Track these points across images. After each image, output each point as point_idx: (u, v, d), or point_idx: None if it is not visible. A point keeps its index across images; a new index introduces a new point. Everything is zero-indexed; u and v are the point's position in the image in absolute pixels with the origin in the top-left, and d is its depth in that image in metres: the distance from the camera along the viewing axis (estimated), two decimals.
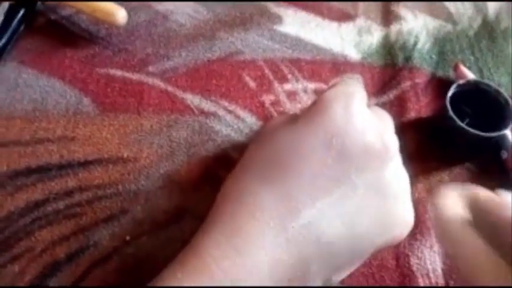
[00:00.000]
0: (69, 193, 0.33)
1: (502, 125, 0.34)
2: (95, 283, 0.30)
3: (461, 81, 0.36)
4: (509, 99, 0.35)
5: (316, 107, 0.29)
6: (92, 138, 0.35)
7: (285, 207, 0.26)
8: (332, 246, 0.27)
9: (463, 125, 0.34)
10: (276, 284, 0.25)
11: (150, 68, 0.38)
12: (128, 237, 0.32)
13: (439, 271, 0.32)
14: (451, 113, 0.34)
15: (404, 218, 0.29)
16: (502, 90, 0.36)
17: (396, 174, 0.29)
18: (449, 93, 0.35)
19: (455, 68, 0.40)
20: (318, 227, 0.26)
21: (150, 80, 0.38)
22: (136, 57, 0.39)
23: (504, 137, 0.36)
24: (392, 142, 0.29)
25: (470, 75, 0.39)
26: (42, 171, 0.33)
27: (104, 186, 0.33)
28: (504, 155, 0.36)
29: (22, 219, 0.32)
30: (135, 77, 0.38)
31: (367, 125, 0.29)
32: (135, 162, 0.34)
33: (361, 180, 0.27)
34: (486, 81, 0.37)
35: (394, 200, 0.28)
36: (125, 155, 0.34)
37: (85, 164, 0.34)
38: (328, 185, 0.27)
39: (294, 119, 0.29)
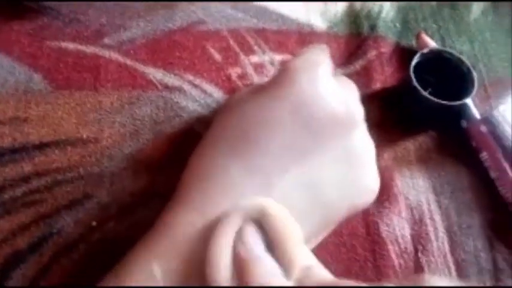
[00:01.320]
0: (25, 179, 0.30)
1: (464, 94, 0.35)
2: (61, 273, 0.29)
3: (424, 50, 0.36)
4: (472, 68, 0.35)
5: (281, 77, 0.28)
6: (47, 119, 0.32)
7: (256, 181, 0.26)
8: (301, 217, 0.26)
9: (426, 94, 0.34)
10: None
11: (106, 40, 0.35)
12: (94, 223, 0.30)
13: (408, 237, 0.33)
14: (414, 82, 0.34)
15: (370, 185, 0.29)
16: (464, 58, 0.37)
17: (362, 142, 0.29)
18: (413, 63, 0.35)
19: (418, 37, 0.40)
20: (288, 199, 0.26)
21: (107, 53, 0.35)
22: (90, 28, 0.36)
23: (465, 105, 0.37)
24: (358, 110, 0.29)
25: (432, 44, 0.39)
26: None
27: (63, 170, 0.31)
28: (464, 124, 0.37)
29: None
30: (89, 50, 0.35)
31: (333, 93, 0.28)
32: (96, 143, 0.32)
33: (328, 148, 0.27)
34: (449, 49, 0.37)
35: (360, 168, 0.29)
36: (84, 136, 0.32)
37: (41, 146, 0.31)
38: (297, 155, 0.27)
39: (259, 90, 0.29)
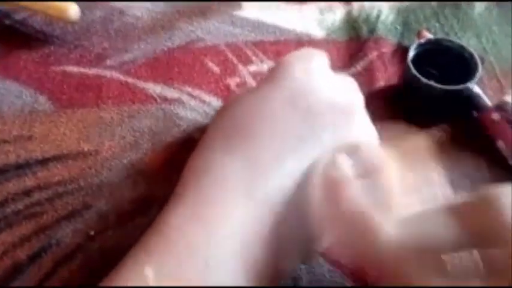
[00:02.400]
0: (28, 193, 0.31)
1: (469, 79, 0.33)
2: (60, 282, 0.28)
3: (422, 40, 0.35)
4: (474, 53, 0.34)
5: (276, 69, 0.28)
6: (50, 136, 0.33)
7: (251, 173, 0.25)
8: (297, 208, 0.25)
9: (427, 80, 0.33)
10: (249, 256, 0.24)
11: (108, 62, 0.37)
12: (92, 232, 0.30)
13: None
14: (413, 71, 0.33)
15: None
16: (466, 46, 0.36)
17: (363, 129, 0.28)
18: (411, 53, 0.34)
19: (419, 35, 0.39)
20: (287, 190, 0.25)
21: (108, 73, 0.36)
22: (93, 53, 0.38)
23: (476, 95, 0.35)
24: (357, 97, 0.28)
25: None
26: None
27: (64, 182, 0.31)
28: (475, 113, 0.35)
29: None
30: (92, 71, 0.37)
31: (330, 82, 0.28)
32: (96, 155, 0.33)
33: (328, 137, 0.26)
34: (448, 37, 0.36)
35: None
36: (85, 149, 0.33)
37: (43, 161, 0.32)
38: (295, 144, 0.26)
39: (254, 87, 0.29)
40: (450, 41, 0.35)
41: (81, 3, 0.38)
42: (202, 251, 0.23)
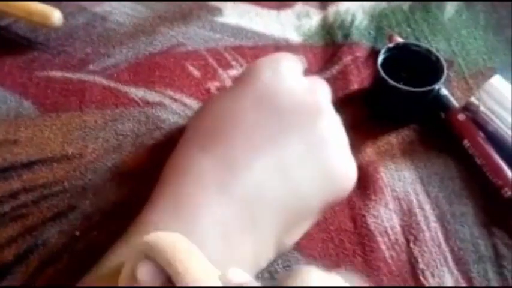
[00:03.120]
0: (14, 195, 0.32)
1: (436, 81, 0.35)
2: (46, 282, 0.29)
3: (390, 45, 0.37)
4: (440, 56, 0.36)
5: (246, 72, 0.30)
6: (35, 140, 0.34)
7: (226, 171, 0.26)
8: (276, 204, 0.26)
9: (394, 83, 0.34)
10: (226, 249, 0.25)
11: (91, 67, 0.38)
12: (77, 233, 0.31)
13: (398, 228, 0.32)
14: (382, 73, 0.35)
15: (345, 170, 0.29)
16: (441, 54, 0.37)
17: (331, 127, 0.29)
18: (380, 57, 0.36)
19: (390, 38, 0.41)
20: (260, 186, 0.26)
21: (91, 78, 0.38)
22: (76, 58, 0.39)
23: (443, 96, 0.37)
24: (323, 96, 0.29)
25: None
26: None
27: (49, 184, 0.32)
28: (443, 114, 0.37)
29: None
30: (75, 76, 0.38)
31: (296, 82, 0.29)
32: (81, 158, 0.34)
33: (296, 136, 0.28)
34: (415, 42, 0.38)
35: (332, 153, 0.29)
36: (70, 152, 0.34)
37: (28, 164, 0.33)
38: (264, 144, 0.27)
39: (228, 89, 0.30)
40: (418, 45, 0.37)
41: (63, 8, 0.39)
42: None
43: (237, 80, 0.30)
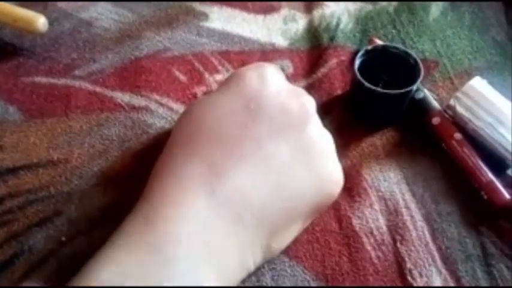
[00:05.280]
0: None
1: (412, 83, 0.35)
2: None
3: (368, 47, 0.37)
4: (418, 59, 0.36)
5: (231, 78, 0.30)
6: (20, 145, 0.34)
7: (211, 173, 0.26)
8: (263, 208, 0.26)
9: (369, 85, 0.34)
10: (211, 251, 0.25)
11: (77, 72, 0.38)
12: (63, 238, 0.31)
13: (384, 228, 0.32)
14: (358, 77, 0.35)
15: (332, 174, 0.30)
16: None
17: (318, 132, 0.29)
18: (357, 60, 0.36)
19: (370, 41, 0.41)
20: (246, 189, 0.26)
21: (77, 83, 0.38)
22: (62, 63, 0.39)
23: (422, 98, 0.37)
24: (309, 102, 0.30)
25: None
26: None
27: (35, 190, 0.32)
28: (423, 116, 0.37)
29: None
30: (60, 82, 0.38)
31: (282, 87, 0.29)
32: (66, 163, 0.34)
33: (283, 140, 0.28)
34: (394, 44, 0.38)
35: (319, 158, 0.29)
36: (55, 158, 0.34)
37: (14, 170, 0.33)
38: (250, 146, 0.27)
39: (213, 93, 0.30)
40: (396, 47, 0.37)
41: (48, 14, 0.39)
42: (164, 249, 0.24)
43: (222, 85, 0.30)
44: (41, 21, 0.37)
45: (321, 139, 0.29)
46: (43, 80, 0.38)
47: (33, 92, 0.37)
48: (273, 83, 0.29)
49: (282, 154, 0.28)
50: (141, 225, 0.25)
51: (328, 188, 0.30)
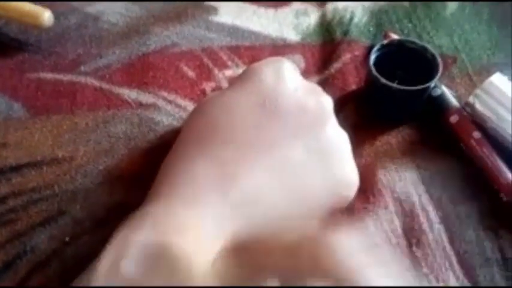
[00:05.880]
0: (2, 199, 0.31)
1: (430, 80, 0.34)
2: None
3: (384, 41, 0.35)
4: (436, 54, 0.34)
5: (245, 74, 0.29)
6: (24, 143, 0.33)
7: (223, 173, 0.25)
8: (277, 210, 0.25)
9: (385, 81, 0.33)
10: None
11: (83, 68, 0.37)
12: (67, 238, 0.30)
13: (399, 230, 0.31)
14: (374, 72, 0.33)
15: (348, 176, 0.29)
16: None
17: (335, 133, 0.28)
18: (373, 55, 0.34)
19: (385, 35, 0.39)
20: (259, 191, 0.25)
21: (83, 79, 0.37)
22: (68, 59, 0.38)
23: (440, 95, 0.35)
24: (327, 101, 0.29)
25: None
26: None
27: (39, 189, 0.32)
28: (441, 114, 0.35)
29: None
30: (66, 78, 0.37)
31: (299, 85, 0.28)
32: (71, 161, 0.33)
33: (299, 140, 0.27)
34: (411, 39, 0.37)
35: (336, 160, 0.28)
36: (60, 155, 0.33)
37: (17, 168, 0.32)
38: (266, 146, 0.26)
39: (225, 89, 0.29)
40: (413, 43, 0.35)
41: (56, 10, 0.38)
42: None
43: (235, 81, 0.29)
44: (46, 16, 0.36)
45: (338, 140, 0.28)
46: (48, 76, 0.37)
47: (38, 88, 0.36)
48: (290, 80, 0.28)
49: (297, 155, 0.26)
50: (151, 222, 0.24)
51: (344, 190, 0.29)
